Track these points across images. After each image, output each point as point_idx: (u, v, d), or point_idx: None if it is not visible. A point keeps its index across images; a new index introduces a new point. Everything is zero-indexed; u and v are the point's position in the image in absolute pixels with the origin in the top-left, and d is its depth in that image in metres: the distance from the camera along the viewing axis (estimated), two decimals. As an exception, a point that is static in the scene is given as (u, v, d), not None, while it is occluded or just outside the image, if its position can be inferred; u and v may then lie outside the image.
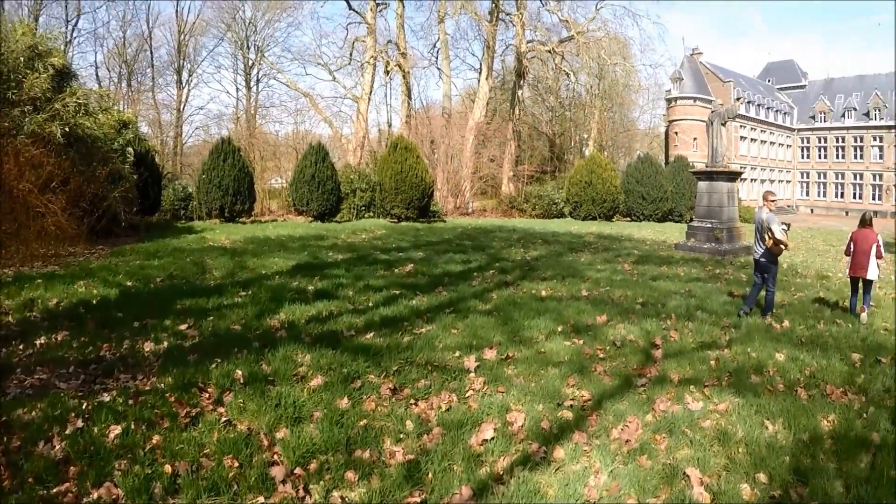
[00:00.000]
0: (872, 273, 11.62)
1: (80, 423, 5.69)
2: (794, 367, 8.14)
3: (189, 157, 59.26)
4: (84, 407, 6.06)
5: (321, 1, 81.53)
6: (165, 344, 8.38)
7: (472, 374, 7.39)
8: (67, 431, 5.55)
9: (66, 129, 18.26)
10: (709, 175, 22.70)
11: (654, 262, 18.22)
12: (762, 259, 11.36)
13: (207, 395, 6.53)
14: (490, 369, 7.61)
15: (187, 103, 63.86)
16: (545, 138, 70.89)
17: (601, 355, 8.46)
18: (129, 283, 12.73)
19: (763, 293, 11.68)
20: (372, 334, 8.99)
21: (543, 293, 12.57)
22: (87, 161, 19.55)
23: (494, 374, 7.43)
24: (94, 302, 10.91)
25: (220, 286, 12.40)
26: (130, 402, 6.23)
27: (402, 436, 5.75)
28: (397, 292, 12.05)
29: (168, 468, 4.98)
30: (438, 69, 59.03)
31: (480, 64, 57.63)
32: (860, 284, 11.89)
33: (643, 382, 7.43)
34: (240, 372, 7.01)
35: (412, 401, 6.57)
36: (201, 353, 7.86)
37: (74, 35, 56.84)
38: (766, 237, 11.12)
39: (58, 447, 5.30)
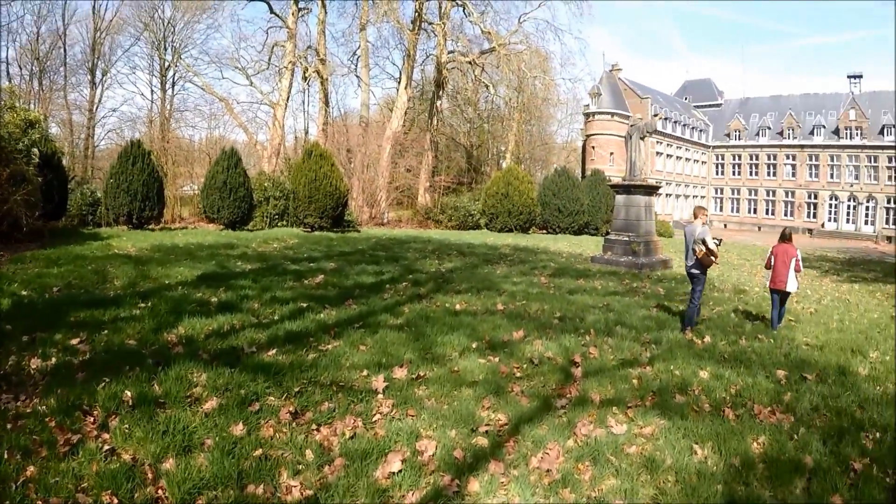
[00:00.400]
0: (792, 286, 12.01)
1: (-55, 451, 5.06)
2: (719, 386, 7.90)
3: (101, 161, 56.50)
4: (-48, 433, 5.40)
5: (242, 2, 79.55)
6: (54, 360, 7.65)
7: (381, 396, 6.85)
8: (-63, 460, 4.93)
9: (-38, 127, 16.93)
10: (627, 188, 22.70)
11: (571, 276, 18.02)
12: (693, 269, 11.62)
13: (92, 420, 5.89)
14: (400, 390, 7.08)
15: (101, 104, 61.38)
16: (463, 150, 70.78)
17: (518, 374, 8.03)
18: (23, 293, 11.81)
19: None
20: (275, 351, 8.34)
21: (458, 307, 12.12)
22: (-15, 161, 18.28)
23: (404, 396, 6.91)
24: (-17, 313, 10.04)
25: (118, 297, 11.54)
26: (9, 426, 5.61)
27: (300, 467, 5.21)
28: (305, 305, 11.40)
29: (40, 505, 4.38)
30: (358, 77, 58.23)
31: (400, 73, 56.97)
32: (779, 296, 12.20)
33: (563, 404, 7.02)
34: (129, 393, 6.35)
35: (314, 426, 6.02)
36: (91, 370, 7.18)
37: (-15, 29, 53.47)
38: (697, 249, 11.33)
39: (-78, 480, 4.67)
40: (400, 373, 7.59)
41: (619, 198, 23.12)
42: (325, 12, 53.45)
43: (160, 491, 4.76)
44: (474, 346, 9.12)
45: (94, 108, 59.92)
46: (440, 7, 54.31)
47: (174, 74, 61.76)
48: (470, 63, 54.08)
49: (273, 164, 48.82)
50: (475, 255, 22.76)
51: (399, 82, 56.33)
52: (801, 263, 12.10)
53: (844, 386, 8.24)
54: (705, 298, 14.52)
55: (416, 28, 52.39)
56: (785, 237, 12.30)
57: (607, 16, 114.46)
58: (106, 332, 9.03)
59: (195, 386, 6.78)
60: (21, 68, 57.69)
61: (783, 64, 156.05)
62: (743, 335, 11.14)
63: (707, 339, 10.53)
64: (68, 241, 22.47)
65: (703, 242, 11.25)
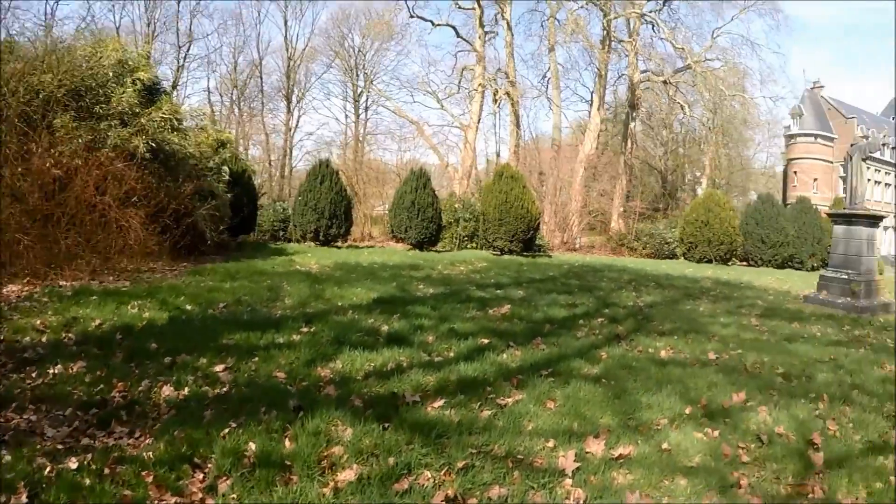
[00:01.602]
0: None
1: (24, 499, 4.24)
2: None
3: (297, 181, 60.49)
4: (45, 473, 4.53)
5: (428, 28, 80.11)
6: (187, 390, 6.68)
7: (569, 481, 5.01)
8: (7, 507, 4.11)
9: (152, 144, 17.61)
10: (847, 218, 19.64)
11: (784, 318, 15.45)
12: None
13: (201, 478, 4.74)
14: (595, 473, 5.21)
15: (297, 128, 67.09)
16: (657, 174, 69.39)
17: (744, 458, 5.92)
18: (187, 307, 11.26)
19: None
20: (442, 402, 6.68)
21: (663, 354, 10.04)
22: (173, 176, 18.93)
23: (600, 484, 5.04)
24: (139, 327, 9.45)
25: (282, 318, 10.64)
26: (106, 471, 4.64)
27: None
28: (486, 341, 9.77)
29: None
30: (548, 99, 57.75)
31: (592, 94, 56.34)
32: None
33: (806, 511, 4.89)
34: (253, 447, 5.14)
35: (475, 523, 4.32)
36: (222, 408, 6.12)
37: (187, 60, 60.80)
38: None
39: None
40: (595, 446, 5.72)
41: (838, 229, 20.06)
42: (512, 35, 53.74)
43: None
44: (688, 411, 7.01)
45: (291, 132, 65.59)
46: (629, 24, 53.49)
47: (367, 99, 65.68)
48: (664, 83, 52.44)
49: (464, 187, 49.26)
50: (675, 287, 20.56)
51: (591, 104, 55.78)
52: None
53: None
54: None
55: (606, 47, 51.59)
56: None
57: (802, 30, 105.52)
58: (256, 359, 8.04)
59: (335, 444, 5.41)
60: (221, 96, 66.08)
61: None
62: None
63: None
64: (254, 255, 23.01)
65: None
